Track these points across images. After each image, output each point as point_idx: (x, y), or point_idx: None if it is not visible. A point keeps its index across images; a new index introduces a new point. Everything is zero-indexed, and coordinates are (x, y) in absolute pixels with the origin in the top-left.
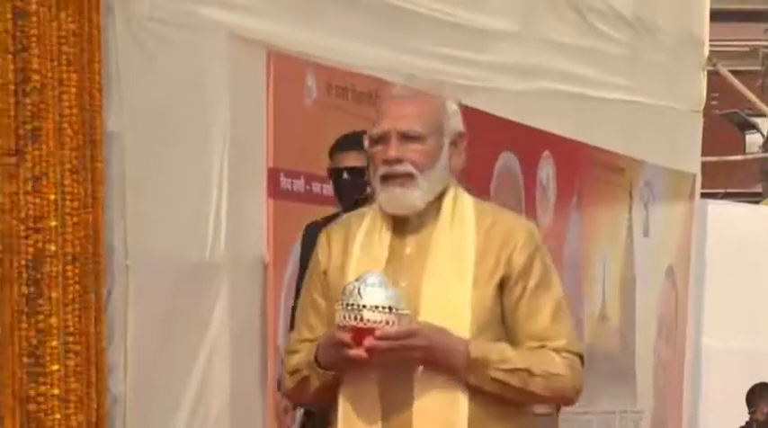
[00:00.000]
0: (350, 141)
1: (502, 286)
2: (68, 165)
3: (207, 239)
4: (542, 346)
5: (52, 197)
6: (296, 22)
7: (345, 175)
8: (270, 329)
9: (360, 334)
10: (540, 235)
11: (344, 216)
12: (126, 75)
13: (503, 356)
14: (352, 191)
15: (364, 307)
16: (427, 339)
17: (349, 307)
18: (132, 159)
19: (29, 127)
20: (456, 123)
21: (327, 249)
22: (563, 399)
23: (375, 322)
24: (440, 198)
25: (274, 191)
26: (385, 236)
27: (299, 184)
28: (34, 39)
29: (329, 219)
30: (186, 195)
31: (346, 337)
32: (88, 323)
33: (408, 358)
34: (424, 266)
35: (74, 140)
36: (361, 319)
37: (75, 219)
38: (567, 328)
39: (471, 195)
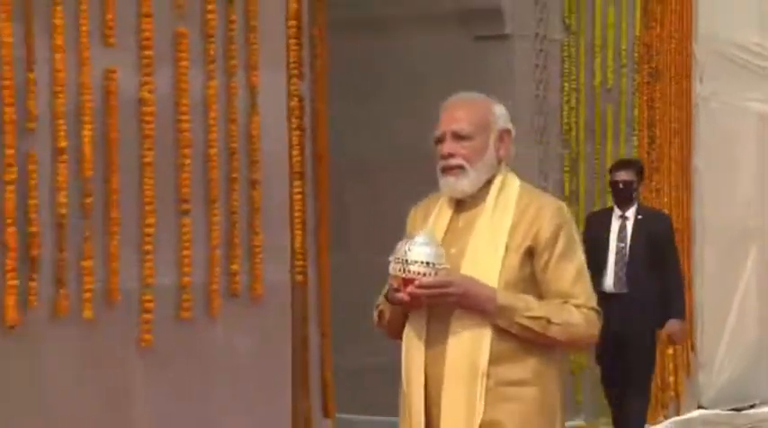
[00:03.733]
0: (621, 163)
1: (531, 254)
2: (675, 183)
3: (746, 219)
4: (565, 302)
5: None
6: None
7: (620, 186)
8: None
9: (405, 282)
10: (567, 211)
11: (431, 195)
12: (705, 134)
13: (527, 305)
14: (622, 197)
15: (407, 261)
16: (461, 288)
17: (398, 261)
18: (707, 181)
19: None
20: (502, 122)
21: (413, 219)
22: (578, 344)
23: (415, 273)
24: (490, 183)
25: None
26: (448, 212)
27: None
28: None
29: (606, 211)
30: (739, 197)
31: (396, 284)
32: None
33: (445, 302)
34: (469, 237)
35: (674, 171)
36: (404, 271)
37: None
38: (586, 289)
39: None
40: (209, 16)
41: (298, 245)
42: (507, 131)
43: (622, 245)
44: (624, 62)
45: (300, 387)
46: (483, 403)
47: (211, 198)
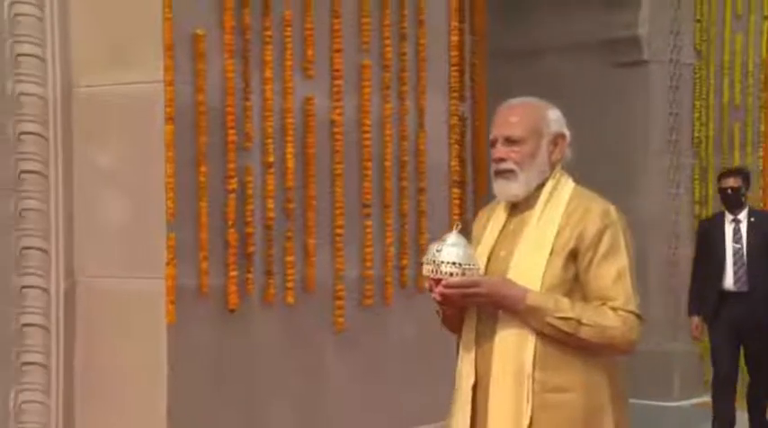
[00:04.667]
0: (728, 172)
1: (575, 255)
2: None
3: None
4: (603, 304)
5: None
6: None
7: (729, 192)
8: None
9: (437, 282)
10: (616, 214)
11: (496, 200)
12: None
13: (557, 306)
14: (732, 202)
15: (434, 261)
16: (489, 288)
17: (428, 261)
18: None
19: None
20: (556, 127)
21: (478, 222)
22: (616, 347)
23: (445, 274)
24: (543, 186)
25: None
26: (502, 216)
27: None
28: None
29: (718, 216)
30: None
31: (428, 284)
32: None
33: (475, 302)
34: (518, 240)
35: None
36: (433, 272)
37: None
38: (626, 291)
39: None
40: (386, 50)
41: None
42: (562, 136)
43: (738, 246)
44: (751, 82)
45: None
46: (530, 405)
47: (386, 203)
